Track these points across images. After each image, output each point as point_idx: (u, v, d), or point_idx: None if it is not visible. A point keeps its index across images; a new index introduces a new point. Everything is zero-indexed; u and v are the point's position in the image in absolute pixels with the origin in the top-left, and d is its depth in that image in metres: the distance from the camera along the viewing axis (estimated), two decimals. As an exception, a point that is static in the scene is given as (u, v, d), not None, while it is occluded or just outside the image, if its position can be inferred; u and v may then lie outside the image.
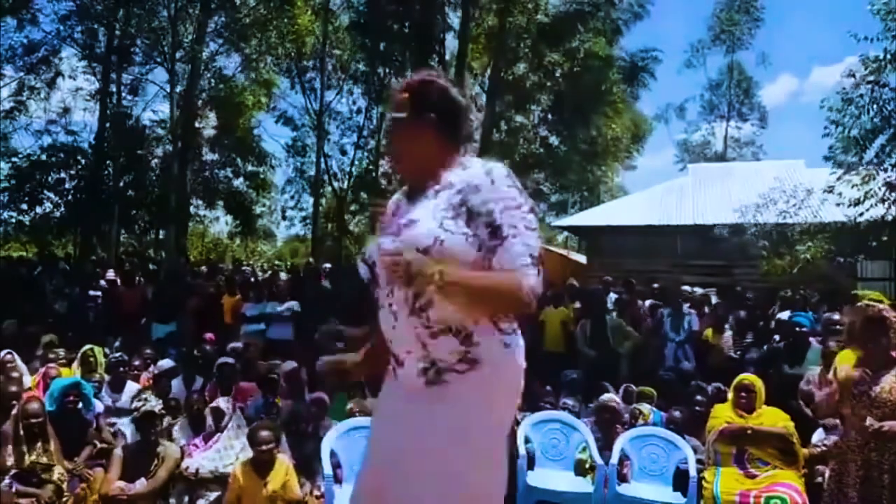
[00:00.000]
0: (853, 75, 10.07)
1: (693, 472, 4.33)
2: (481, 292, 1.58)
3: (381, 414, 1.88)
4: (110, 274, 10.43)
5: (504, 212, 1.63)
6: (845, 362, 3.49)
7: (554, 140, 21.52)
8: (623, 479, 4.59)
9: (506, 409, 1.76)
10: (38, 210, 18.08)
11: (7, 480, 3.95)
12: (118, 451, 4.29)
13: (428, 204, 1.67)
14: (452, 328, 1.64)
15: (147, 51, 19.43)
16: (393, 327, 1.70)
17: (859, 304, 3.61)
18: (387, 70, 20.13)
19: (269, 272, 13.40)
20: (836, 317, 5.47)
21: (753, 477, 4.11)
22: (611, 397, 5.18)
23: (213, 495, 4.27)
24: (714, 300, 8.76)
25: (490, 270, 1.62)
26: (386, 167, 24.10)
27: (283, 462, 4.19)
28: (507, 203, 1.64)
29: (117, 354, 6.12)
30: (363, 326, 1.95)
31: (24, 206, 17.81)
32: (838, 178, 10.25)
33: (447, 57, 18.82)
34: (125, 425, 4.86)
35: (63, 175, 18.20)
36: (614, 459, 4.52)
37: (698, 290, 8.27)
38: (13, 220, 17.99)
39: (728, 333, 7.00)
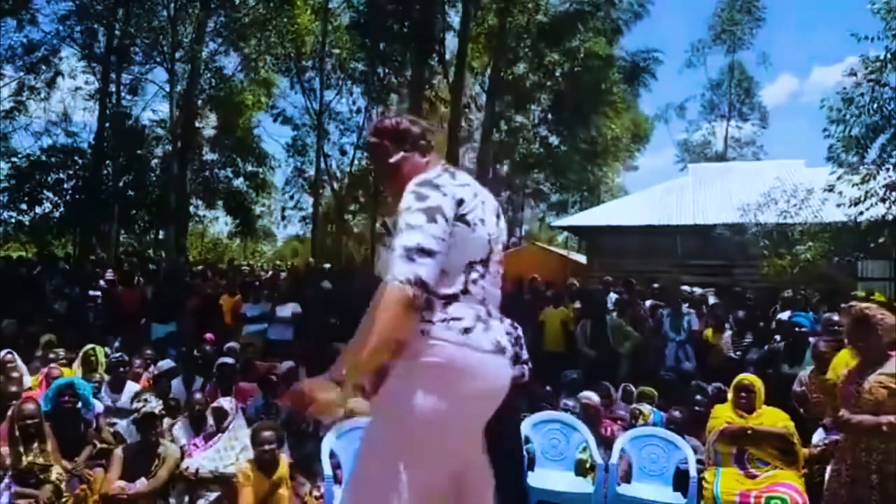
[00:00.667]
0: (854, 74, 10.07)
1: (693, 473, 4.33)
2: (381, 345, 1.66)
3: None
4: (110, 274, 10.42)
5: (399, 215, 1.79)
6: (841, 362, 3.50)
7: (554, 140, 21.51)
8: (623, 479, 4.58)
9: (445, 405, 1.74)
10: (38, 210, 18.09)
11: (6, 481, 3.94)
12: (118, 451, 4.29)
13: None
14: None
15: (146, 50, 19.44)
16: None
17: (848, 304, 3.62)
18: (386, 70, 20.13)
19: (270, 272, 13.39)
20: (836, 317, 5.46)
21: (754, 477, 4.11)
22: (587, 394, 5.15)
23: (213, 495, 4.28)
24: (713, 300, 8.75)
25: None
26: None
27: (284, 462, 4.19)
28: (400, 208, 1.79)
29: (117, 355, 6.11)
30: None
31: (24, 206, 17.81)
32: (839, 178, 10.24)
33: (447, 56, 18.81)
34: (124, 427, 4.85)
35: (62, 175, 18.20)
36: (614, 459, 4.51)
37: (698, 290, 8.26)
38: (13, 220, 17.99)
39: (728, 333, 6.99)
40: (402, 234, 1.72)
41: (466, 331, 1.78)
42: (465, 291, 1.82)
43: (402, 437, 1.76)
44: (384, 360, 1.76)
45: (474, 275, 1.85)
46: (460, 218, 1.80)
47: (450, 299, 1.80)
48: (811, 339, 6.03)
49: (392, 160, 2.00)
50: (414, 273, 1.66)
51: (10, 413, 4.22)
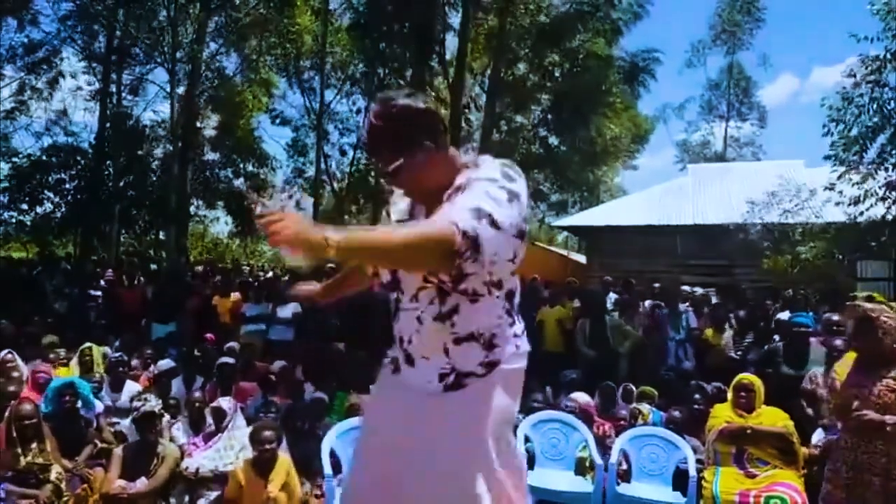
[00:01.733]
0: (853, 75, 10.09)
1: (693, 472, 4.33)
2: (390, 248, 1.42)
3: (387, 409, 1.86)
4: (110, 274, 10.44)
5: (473, 182, 1.59)
6: (845, 364, 3.49)
7: (554, 140, 21.50)
8: (623, 478, 4.59)
9: (514, 406, 1.81)
10: (39, 210, 18.10)
11: (3, 484, 3.94)
12: (118, 451, 4.30)
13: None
14: (475, 334, 1.68)
15: (147, 51, 19.45)
16: (417, 331, 1.72)
17: (851, 304, 3.60)
18: (386, 70, 20.13)
19: (271, 272, 13.39)
20: (837, 317, 5.46)
21: (753, 477, 4.11)
22: (577, 395, 5.17)
23: (214, 494, 4.28)
24: (714, 300, 8.76)
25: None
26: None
27: (285, 461, 4.19)
28: (479, 176, 1.60)
29: (117, 354, 6.12)
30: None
31: (25, 207, 17.82)
32: (839, 177, 10.26)
33: (447, 57, 18.81)
34: (127, 426, 4.86)
35: (63, 175, 18.21)
36: (614, 459, 4.52)
37: (698, 290, 8.27)
38: (14, 221, 18.00)
39: (729, 333, 7.00)
40: (477, 197, 1.50)
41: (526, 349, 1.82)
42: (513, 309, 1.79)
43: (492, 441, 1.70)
44: (357, 275, 1.91)
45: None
46: (520, 233, 1.60)
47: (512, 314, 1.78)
48: (811, 339, 6.03)
49: (416, 154, 1.63)
50: (475, 228, 1.43)
51: (7, 414, 4.23)
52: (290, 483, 4.13)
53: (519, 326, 1.79)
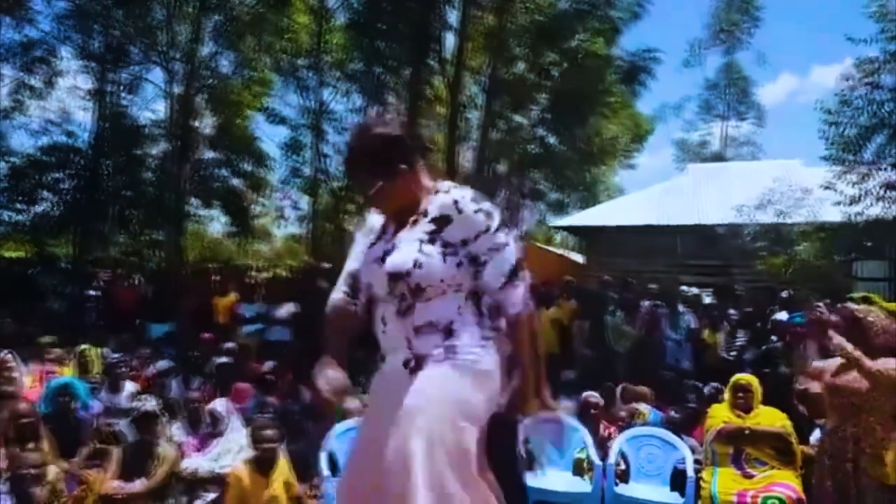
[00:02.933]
0: (850, 77, 10.13)
1: (690, 472, 4.33)
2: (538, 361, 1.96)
3: (372, 409, 2.08)
4: (107, 274, 10.42)
5: (476, 240, 1.87)
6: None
7: (552, 140, 21.50)
8: (621, 478, 4.59)
9: (479, 400, 1.87)
10: (36, 210, 18.05)
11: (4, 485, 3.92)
12: (116, 451, 4.29)
13: (408, 234, 1.90)
14: (433, 322, 1.88)
15: (144, 50, 19.39)
16: (383, 332, 1.96)
17: (842, 305, 3.67)
18: (384, 69, 20.11)
19: (270, 272, 13.38)
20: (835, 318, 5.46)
21: (751, 477, 4.12)
22: (591, 393, 5.17)
23: (211, 496, 4.27)
24: (710, 300, 8.77)
25: (480, 286, 1.90)
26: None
27: (285, 461, 4.19)
28: (478, 231, 1.86)
29: (116, 355, 6.12)
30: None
31: (22, 206, 17.76)
32: (837, 177, 10.28)
33: (445, 56, 18.79)
34: (125, 426, 4.84)
35: (60, 175, 18.16)
36: (612, 459, 4.52)
37: (693, 290, 8.28)
38: (10, 220, 17.95)
39: (722, 334, 7.00)
40: (496, 254, 1.88)
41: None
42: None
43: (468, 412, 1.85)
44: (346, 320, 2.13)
45: None
46: None
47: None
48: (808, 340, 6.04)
49: (394, 177, 1.90)
50: (528, 303, 1.94)
51: (5, 413, 4.22)
52: (290, 481, 4.13)
53: (490, 329, 1.94)
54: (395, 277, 1.86)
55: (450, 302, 1.89)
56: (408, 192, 1.92)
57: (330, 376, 1.95)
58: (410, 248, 1.86)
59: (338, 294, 2.09)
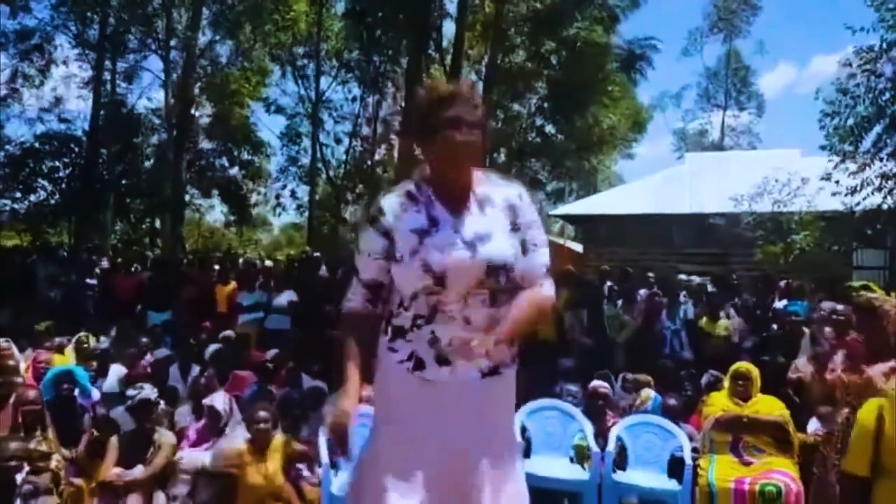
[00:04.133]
0: (849, 65, 10.09)
1: (688, 460, 4.35)
2: (537, 317, 1.88)
3: (412, 404, 1.85)
4: (105, 262, 10.41)
5: (530, 229, 1.89)
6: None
7: (550, 129, 21.45)
8: (619, 466, 4.61)
9: None
10: (33, 198, 18.01)
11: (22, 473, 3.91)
12: (114, 439, 4.31)
13: (486, 219, 1.83)
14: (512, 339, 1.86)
15: (141, 38, 19.29)
16: (460, 336, 1.79)
17: (856, 294, 3.61)
18: (382, 58, 20.01)
19: (269, 261, 13.35)
20: (840, 306, 5.46)
21: (748, 464, 4.13)
22: (601, 383, 5.18)
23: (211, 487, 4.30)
24: (710, 289, 8.77)
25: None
26: (382, 156, 24.03)
27: (280, 442, 4.24)
28: (533, 222, 1.90)
29: (104, 345, 6.18)
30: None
31: (18, 195, 17.73)
32: (835, 167, 10.28)
33: (444, 45, 18.70)
34: (120, 414, 4.85)
35: (57, 163, 18.11)
36: (610, 447, 4.54)
37: (695, 279, 8.28)
38: (7, 209, 17.91)
39: (735, 321, 7.01)
40: (540, 248, 1.90)
41: None
42: None
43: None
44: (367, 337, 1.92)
45: None
46: None
47: None
48: (805, 329, 6.06)
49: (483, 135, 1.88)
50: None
51: (11, 400, 4.22)
52: (292, 448, 4.26)
53: None
54: (496, 269, 1.77)
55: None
56: (480, 161, 1.90)
57: (337, 409, 1.82)
58: (504, 238, 1.82)
59: (356, 303, 1.92)
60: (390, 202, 1.87)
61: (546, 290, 1.88)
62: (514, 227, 1.85)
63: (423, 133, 1.83)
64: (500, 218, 1.84)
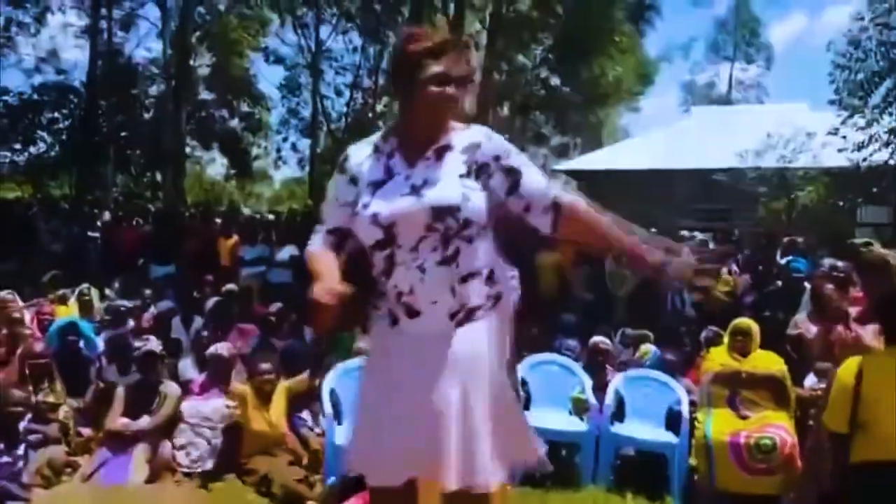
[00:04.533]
0: (861, 18, 9.85)
1: (685, 413, 4.41)
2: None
3: (400, 364, 1.82)
4: (107, 215, 10.39)
5: (510, 156, 1.81)
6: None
7: (556, 81, 21.10)
8: (617, 419, 4.67)
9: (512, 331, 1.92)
10: (32, 150, 17.88)
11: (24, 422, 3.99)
12: (120, 390, 4.37)
13: (438, 168, 1.77)
14: (477, 271, 1.79)
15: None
16: (421, 280, 1.76)
17: (865, 250, 3.58)
18: (383, 7, 19.56)
19: (271, 215, 13.34)
20: (840, 263, 5.44)
21: (745, 418, 4.18)
22: (602, 339, 5.21)
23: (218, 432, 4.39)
24: (711, 245, 8.74)
25: (521, 201, 1.80)
26: (384, 108, 23.69)
27: (283, 389, 4.33)
28: (509, 149, 1.83)
29: (120, 301, 6.20)
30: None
31: (18, 146, 17.59)
32: (843, 122, 10.13)
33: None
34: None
35: (56, 115, 17.90)
36: (609, 400, 4.59)
37: (698, 235, 8.24)
38: (7, 160, 17.81)
39: (740, 277, 7.01)
40: (530, 165, 1.83)
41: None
42: None
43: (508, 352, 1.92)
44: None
45: None
46: None
47: None
48: (807, 284, 6.05)
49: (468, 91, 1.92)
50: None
51: (18, 352, 4.27)
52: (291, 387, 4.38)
53: (510, 267, 1.92)
54: (442, 213, 1.71)
55: (489, 245, 1.83)
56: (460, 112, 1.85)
57: (326, 283, 1.66)
58: (453, 182, 1.75)
59: (316, 245, 1.86)
60: (358, 151, 1.87)
61: (572, 197, 1.83)
62: (474, 169, 1.77)
63: (403, 84, 1.78)
64: (456, 161, 1.77)
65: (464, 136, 1.80)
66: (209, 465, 4.23)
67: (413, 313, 1.79)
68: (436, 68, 1.71)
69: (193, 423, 4.35)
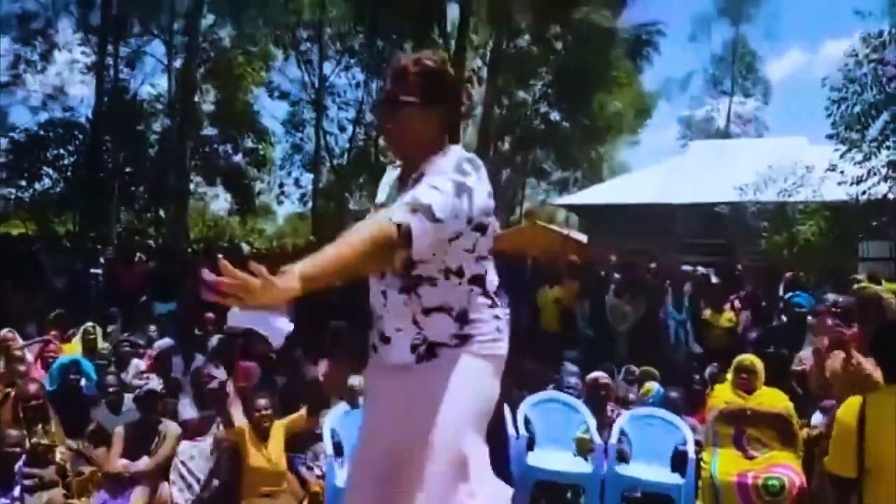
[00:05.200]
0: (856, 54, 10.00)
1: (692, 454, 4.35)
2: (347, 262, 1.48)
3: (371, 394, 1.93)
4: (110, 251, 10.42)
5: (431, 174, 1.67)
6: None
7: (555, 116, 21.35)
8: (622, 459, 4.61)
9: (493, 384, 1.81)
10: (37, 186, 18.03)
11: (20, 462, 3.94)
12: (119, 429, 4.33)
13: (408, 191, 1.68)
14: (445, 306, 1.72)
15: (144, 23, 19.20)
16: (384, 305, 1.76)
17: (860, 286, 3.62)
18: (386, 43, 19.89)
19: (277, 250, 13.36)
20: (841, 298, 5.44)
21: (752, 458, 4.12)
22: (601, 374, 5.17)
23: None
24: (713, 280, 8.73)
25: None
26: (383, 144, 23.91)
27: (280, 427, 4.29)
28: (440, 168, 1.68)
29: (124, 335, 6.18)
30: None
31: (23, 183, 17.74)
32: (841, 156, 10.21)
33: (448, 29, 18.56)
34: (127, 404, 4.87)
35: (61, 151, 18.10)
36: (613, 440, 4.54)
37: (700, 270, 8.25)
38: (12, 197, 17.94)
39: (741, 313, 6.99)
40: (420, 190, 1.60)
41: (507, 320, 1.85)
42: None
43: (481, 405, 1.78)
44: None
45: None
46: (479, 227, 1.70)
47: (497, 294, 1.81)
48: (809, 319, 6.03)
49: (422, 114, 1.71)
50: (407, 223, 1.51)
51: (12, 394, 4.24)
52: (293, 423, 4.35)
53: (501, 311, 1.82)
54: None
55: (455, 289, 1.73)
56: (431, 140, 1.75)
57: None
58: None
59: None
60: (389, 173, 1.94)
61: (387, 215, 1.55)
62: None
63: None
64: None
65: (435, 161, 1.73)
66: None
67: (384, 339, 1.80)
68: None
69: (190, 461, 4.31)
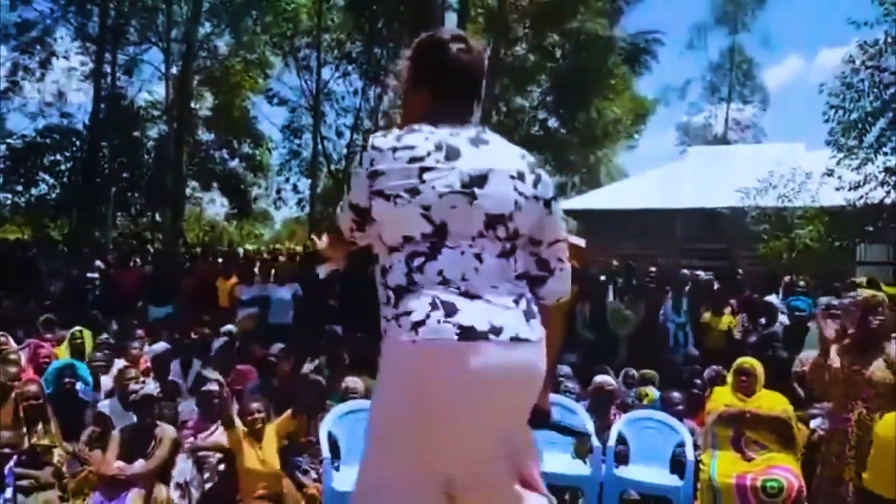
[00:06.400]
0: (853, 61, 10.04)
1: (690, 456, 4.33)
2: None
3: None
4: (106, 256, 10.40)
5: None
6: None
7: (553, 122, 21.39)
8: (621, 461, 4.59)
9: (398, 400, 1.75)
10: (34, 192, 18.02)
11: (11, 463, 3.93)
12: (116, 433, 4.31)
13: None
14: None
15: (141, 30, 19.24)
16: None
17: (860, 291, 3.64)
18: (384, 50, 19.95)
19: (271, 255, 13.34)
20: (836, 301, 5.43)
21: (750, 460, 4.11)
22: (606, 379, 5.15)
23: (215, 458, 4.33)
24: (715, 284, 8.71)
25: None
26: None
27: (273, 429, 4.28)
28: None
29: (103, 336, 6.19)
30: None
31: (20, 188, 17.73)
32: (838, 162, 10.24)
33: (446, 37, 18.62)
34: (107, 406, 4.84)
35: (58, 157, 18.10)
36: (612, 442, 4.52)
37: (701, 274, 8.24)
38: (8, 202, 17.92)
39: (740, 316, 6.98)
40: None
41: (417, 325, 1.56)
42: (411, 281, 1.63)
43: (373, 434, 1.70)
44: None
45: (418, 259, 1.64)
46: (378, 193, 1.73)
47: (399, 291, 1.63)
48: (809, 324, 6.02)
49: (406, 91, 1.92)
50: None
51: (12, 394, 4.23)
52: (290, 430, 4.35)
53: (393, 310, 1.64)
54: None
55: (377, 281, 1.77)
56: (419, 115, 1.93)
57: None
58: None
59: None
60: None
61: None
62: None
63: None
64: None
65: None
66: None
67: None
68: None
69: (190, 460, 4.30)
